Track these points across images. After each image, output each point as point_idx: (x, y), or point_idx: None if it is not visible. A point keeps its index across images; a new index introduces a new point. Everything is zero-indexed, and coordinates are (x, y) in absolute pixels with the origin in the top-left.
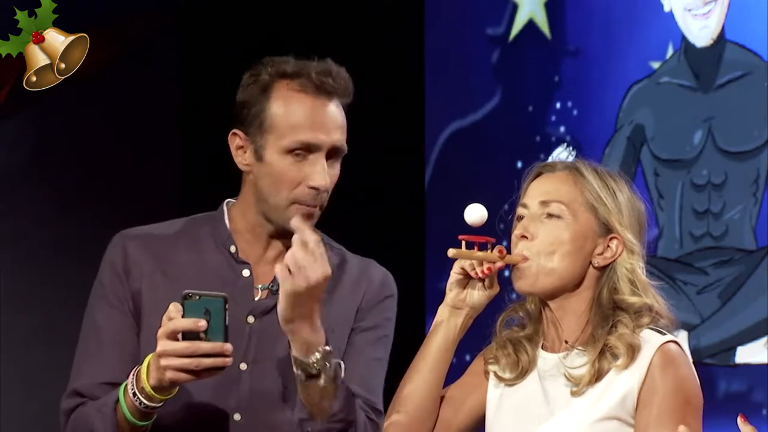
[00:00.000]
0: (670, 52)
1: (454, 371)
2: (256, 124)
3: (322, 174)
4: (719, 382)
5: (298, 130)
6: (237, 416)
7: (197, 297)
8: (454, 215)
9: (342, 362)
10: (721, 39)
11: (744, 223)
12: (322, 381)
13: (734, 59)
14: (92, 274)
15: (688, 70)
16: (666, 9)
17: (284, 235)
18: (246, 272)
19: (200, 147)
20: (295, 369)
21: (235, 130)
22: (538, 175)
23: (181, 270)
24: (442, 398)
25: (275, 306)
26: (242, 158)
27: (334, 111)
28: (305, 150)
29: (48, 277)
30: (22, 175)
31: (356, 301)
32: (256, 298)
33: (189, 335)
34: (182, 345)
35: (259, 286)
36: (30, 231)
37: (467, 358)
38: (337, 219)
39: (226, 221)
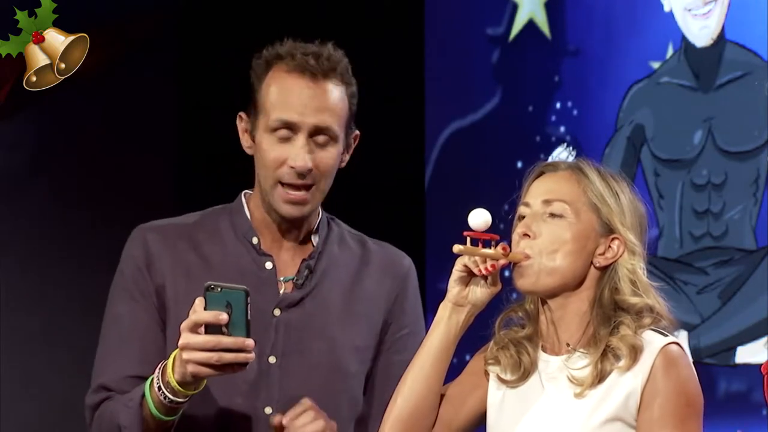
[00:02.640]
0: (670, 52)
1: (454, 370)
2: (253, 107)
3: (301, 154)
4: (719, 382)
5: (278, 108)
6: (268, 409)
7: (219, 289)
8: (454, 215)
9: None
10: (721, 39)
11: (744, 223)
12: None
13: (734, 59)
14: (92, 274)
15: (688, 70)
16: (666, 9)
17: (290, 222)
18: (269, 264)
19: (200, 147)
20: None
21: (240, 114)
22: (540, 174)
23: (204, 262)
24: (441, 396)
25: (302, 299)
26: (246, 141)
27: (322, 92)
28: (287, 129)
29: (48, 277)
30: (22, 175)
31: (385, 292)
32: (281, 291)
33: (211, 329)
34: (203, 338)
35: (282, 278)
36: (30, 231)
37: (467, 357)
38: (337, 218)
39: (246, 212)
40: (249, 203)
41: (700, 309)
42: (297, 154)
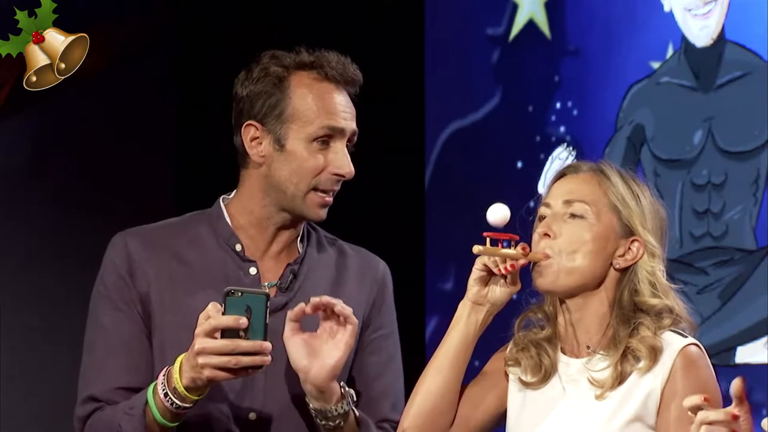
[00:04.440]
0: (670, 52)
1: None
2: (274, 115)
3: (346, 161)
4: (719, 382)
5: (323, 115)
6: (252, 415)
7: (239, 294)
8: (454, 215)
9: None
10: (721, 39)
11: (744, 223)
12: (351, 417)
13: (734, 59)
14: (92, 274)
15: (688, 70)
16: (666, 9)
17: (290, 228)
18: (253, 270)
19: (200, 147)
20: (326, 421)
21: (249, 122)
22: (562, 175)
23: (187, 268)
24: (460, 395)
25: (286, 304)
26: (257, 150)
27: (349, 98)
28: (329, 137)
29: (48, 277)
30: (22, 175)
31: (365, 296)
32: None
33: (228, 333)
34: (222, 343)
35: (266, 284)
36: (30, 231)
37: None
38: (337, 219)
39: (227, 218)
40: (229, 209)
41: (700, 309)
42: (342, 161)
